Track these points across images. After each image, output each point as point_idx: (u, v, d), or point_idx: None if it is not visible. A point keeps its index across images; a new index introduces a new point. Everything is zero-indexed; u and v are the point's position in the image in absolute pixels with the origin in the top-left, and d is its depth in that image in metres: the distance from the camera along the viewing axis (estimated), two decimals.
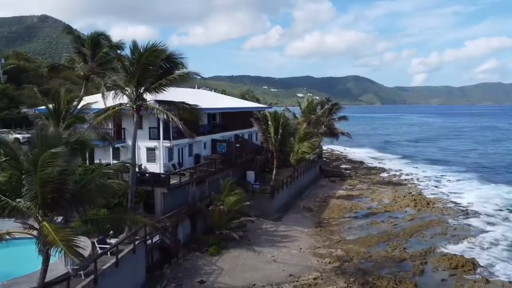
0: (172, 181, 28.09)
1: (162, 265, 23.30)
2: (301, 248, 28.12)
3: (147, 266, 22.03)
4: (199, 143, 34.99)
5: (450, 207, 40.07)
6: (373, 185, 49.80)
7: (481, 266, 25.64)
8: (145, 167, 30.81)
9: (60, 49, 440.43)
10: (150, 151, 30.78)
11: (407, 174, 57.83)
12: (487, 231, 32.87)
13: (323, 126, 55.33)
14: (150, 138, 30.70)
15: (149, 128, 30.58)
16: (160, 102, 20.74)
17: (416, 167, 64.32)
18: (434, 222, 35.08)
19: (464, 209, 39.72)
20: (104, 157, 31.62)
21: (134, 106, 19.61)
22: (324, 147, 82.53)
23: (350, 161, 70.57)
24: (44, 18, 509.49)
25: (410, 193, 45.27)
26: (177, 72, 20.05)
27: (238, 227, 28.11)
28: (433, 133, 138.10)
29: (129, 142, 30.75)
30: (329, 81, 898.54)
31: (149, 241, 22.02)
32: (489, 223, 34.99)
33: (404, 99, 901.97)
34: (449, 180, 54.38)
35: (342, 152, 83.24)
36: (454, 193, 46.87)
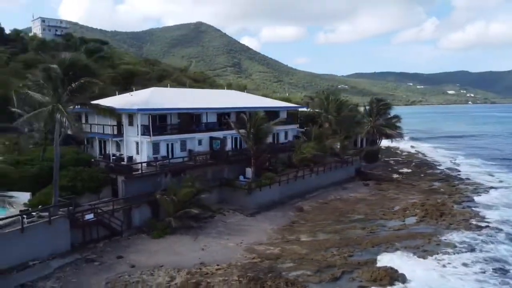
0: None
1: (101, 240, 27.80)
2: (241, 242, 29.50)
3: (83, 239, 26.81)
4: (192, 139, 38.54)
5: (469, 222, 35.28)
6: (407, 192, 46.02)
7: (405, 282, 23.57)
8: (135, 158, 35.80)
9: (211, 51, 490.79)
10: (138, 144, 35.58)
11: (469, 184, 51.06)
12: (472, 251, 28.79)
13: (367, 126, 52.88)
14: (140, 134, 35.41)
15: (139, 125, 35.30)
16: (82, 104, 25.11)
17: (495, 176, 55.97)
18: (423, 235, 31.88)
19: (485, 225, 34.62)
20: (112, 149, 37.67)
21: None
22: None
23: (418, 165, 64.71)
24: (199, 25, 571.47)
25: (438, 202, 40.81)
26: None
27: (191, 216, 30.76)
28: None
29: (126, 137, 36.38)
30: (489, 76, 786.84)
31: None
32: (485, 242, 30.32)
33: None
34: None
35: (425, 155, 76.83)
36: (493, 207, 40.40)
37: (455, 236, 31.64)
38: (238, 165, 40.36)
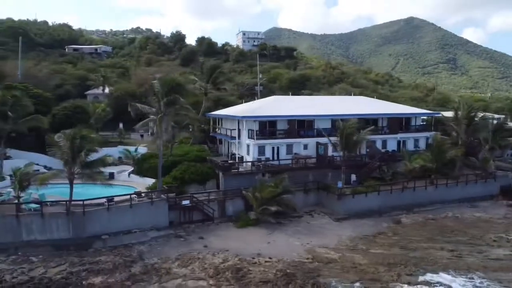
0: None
1: (195, 223, 34.40)
2: (308, 243, 31.36)
3: (180, 219, 33.91)
4: (298, 143, 41.61)
5: None
6: None
7: None
8: (245, 157, 41.44)
9: (421, 48, 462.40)
10: (247, 146, 41.05)
11: None
12: None
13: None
14: (248, 137, 40.87)
15: (248, 130, 40.78)
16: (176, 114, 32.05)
17: None
18: None
19: None
20: (233, 149, 44.43)
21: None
22: None
23: None
24: (410, 20, 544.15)
25: None
26: None
27: (273, 213, 34.24)
28: None
29: (241, 140, 42.62)
30: None
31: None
32: None
33: None
34: None
35: None
36: None
37: None
38: (350, 170, 41.01)
